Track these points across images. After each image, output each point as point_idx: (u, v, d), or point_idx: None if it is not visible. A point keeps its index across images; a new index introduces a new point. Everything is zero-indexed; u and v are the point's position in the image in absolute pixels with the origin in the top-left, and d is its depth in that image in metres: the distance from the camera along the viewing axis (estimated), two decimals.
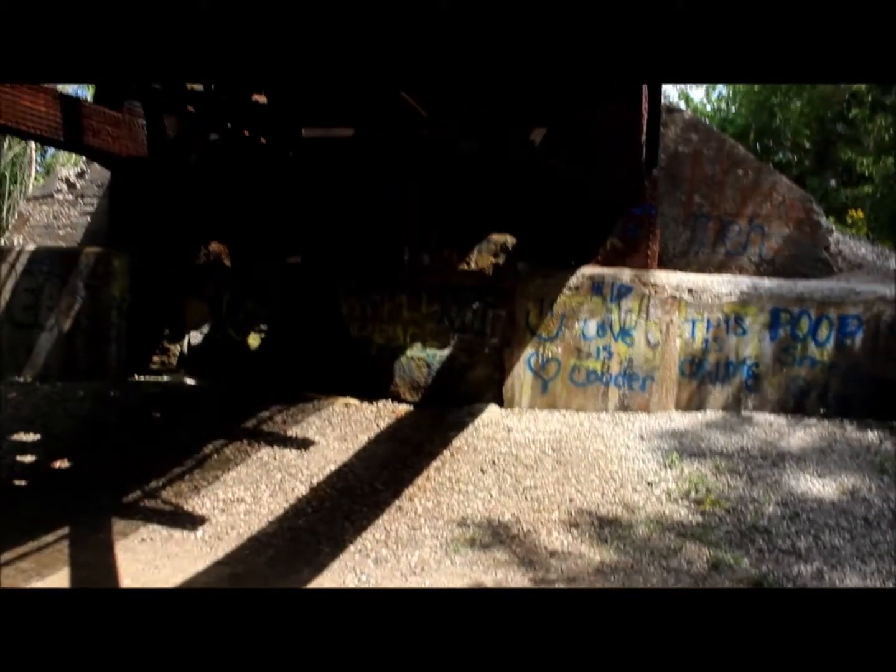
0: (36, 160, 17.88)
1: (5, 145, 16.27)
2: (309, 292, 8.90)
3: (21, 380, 9.63)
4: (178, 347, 9.47)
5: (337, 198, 8.86)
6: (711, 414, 7.86)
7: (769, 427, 7.49)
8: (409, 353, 8.62)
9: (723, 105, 20.24)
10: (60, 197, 11.36)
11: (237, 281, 9.16)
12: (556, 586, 5.10)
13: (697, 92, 29.62)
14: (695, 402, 8.00)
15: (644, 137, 6.96)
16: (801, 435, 7.32)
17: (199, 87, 6.47)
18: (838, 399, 7.71)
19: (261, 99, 6.75)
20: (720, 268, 9.08)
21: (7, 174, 17.02)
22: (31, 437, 8.02)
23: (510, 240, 8.07)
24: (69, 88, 15.46)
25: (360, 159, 8.68)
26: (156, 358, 9.42)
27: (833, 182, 17.50)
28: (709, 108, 20.58)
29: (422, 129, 7.11)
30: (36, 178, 17.43)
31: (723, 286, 8.05)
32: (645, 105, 5.89)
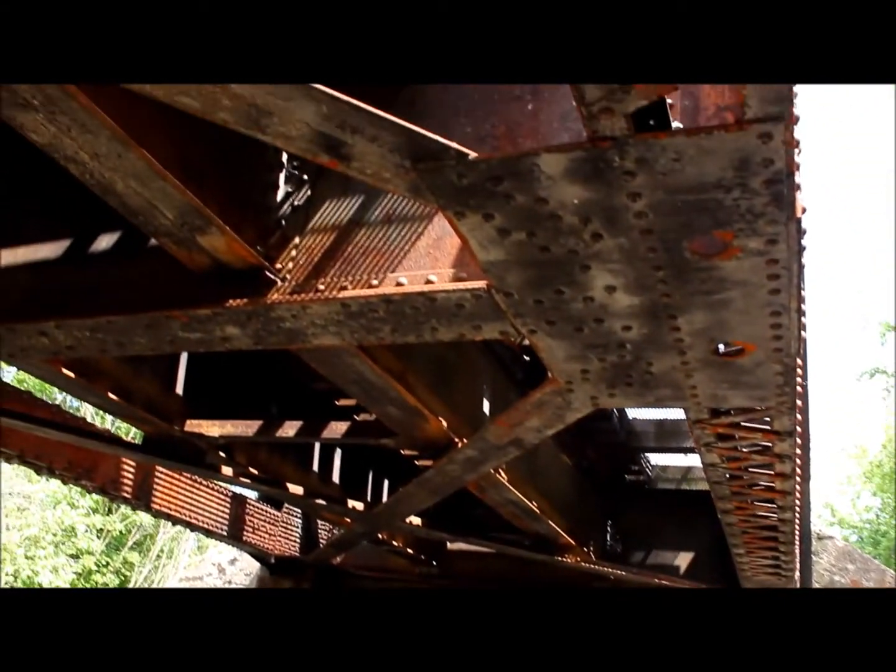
0: (194, 536, 19.14)
1: (169, 524, 17.66)
2: None
3: None
4: None
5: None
6: None
7: None
8: None
9: (870, 514, 19.46)
10: (210, 581, 11.88)
11: None
12: None
13: (842, 503, 25.23)
14: None
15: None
16: None
17: (359, 506, 7.00)
18: None
19: (415, 520, 7.18)
20: None
21: (165, 549, 18.21)
22: None
23: None
24: (237, 489, 16.95)
25: (501, 571, 8.78)
26: None
27: None
28: (855, 517, 19.81)
29: (565, 554, 7.23)
30: (190, 555, 18.50)
31: None
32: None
